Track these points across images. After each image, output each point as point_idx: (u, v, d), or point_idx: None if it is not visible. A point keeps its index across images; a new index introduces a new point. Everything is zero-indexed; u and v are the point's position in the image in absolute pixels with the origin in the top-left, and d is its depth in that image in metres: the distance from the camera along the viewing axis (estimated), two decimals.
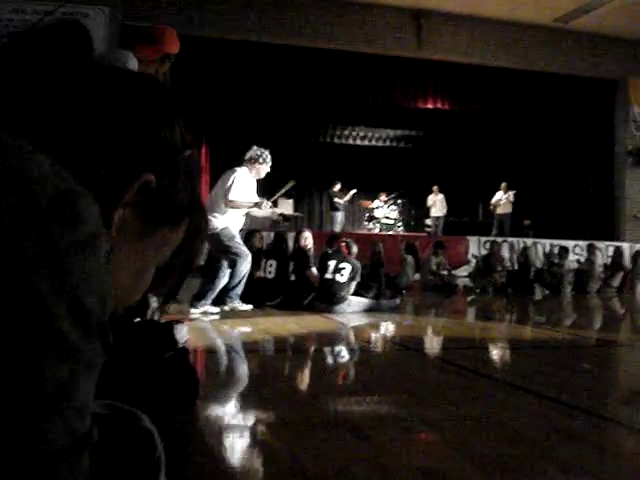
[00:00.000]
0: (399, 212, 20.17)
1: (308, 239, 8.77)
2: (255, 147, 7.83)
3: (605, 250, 16.31)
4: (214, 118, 18.15)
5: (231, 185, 7.39)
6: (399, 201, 20.34)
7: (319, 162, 20.89)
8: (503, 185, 19.18)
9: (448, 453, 2.56)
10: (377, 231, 18.64)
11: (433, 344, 6.25)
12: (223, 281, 7.29)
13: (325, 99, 18.82)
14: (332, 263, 7.84)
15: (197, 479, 2.18)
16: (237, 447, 2.56)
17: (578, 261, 13.66)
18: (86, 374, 0.60)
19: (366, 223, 19.51)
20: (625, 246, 16.31)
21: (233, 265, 7.29)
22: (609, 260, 14.26)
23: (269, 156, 7.87)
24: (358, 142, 22.48)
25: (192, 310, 7.09)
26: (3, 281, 0.53)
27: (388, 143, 22.83)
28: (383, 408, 3.36)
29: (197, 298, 7.20)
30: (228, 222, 7.40)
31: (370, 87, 18.67)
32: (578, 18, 18.30)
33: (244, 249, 7.43)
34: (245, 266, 7.35)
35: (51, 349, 0.56)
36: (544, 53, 19.08)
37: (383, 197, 19.69)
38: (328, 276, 7.77)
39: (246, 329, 6.48)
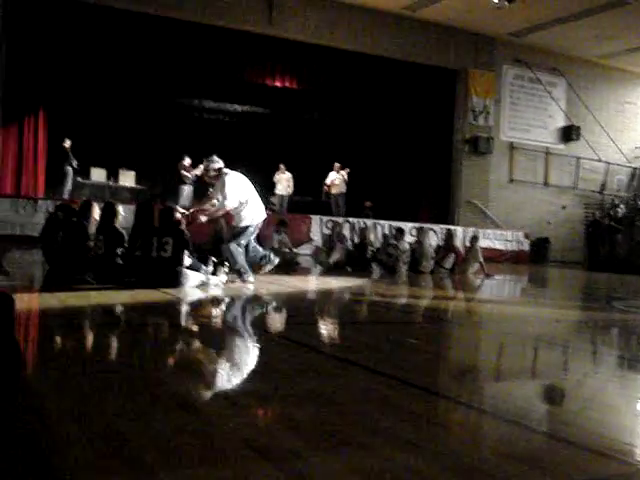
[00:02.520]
0: None
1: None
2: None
3: (441, 232, 16.99)
4: (53, 83, 17.36)
5: None
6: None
7: (164, 133, 20.46)
8: (336, 165, 19.46)
9: (274, 425, 2.60)
10: None
11: (269, 320, 6.30)
12: None
13: (173, 70, 18.48)
14: (155, 240, 7.56)
15: (14, 449, 2.10)
16: (59, 423, 2.48)
17: (415, 242, 14.12)
18: None
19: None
20: (459, 230, 17.08)
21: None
22: (442, 242, 14.84)
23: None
24: (205, 115, 22.19)
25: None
26: None
27: (235, 119, 22.68)
28: (213, 383, 3.36)
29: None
30: None
31: (219, 61, 18.50)
32: (425, 7, 18.86)
33: None
34: None
35: None
36: (391, 39, 19.55)
37: None
38: (153, 254, 7.52)
39: (83, 303, 6.29)
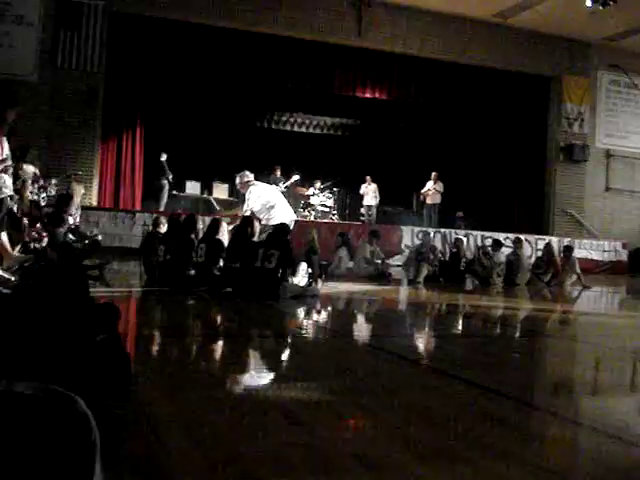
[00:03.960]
0: (334, 200, 20.22)
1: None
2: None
3: (535, 243, 16.67)
4: (150, 98, 17.89)
5: None
6: (334, 189, 20.40)
7: (256, 147, 20.77)
8: (433, 175, 19.32)
9: (381, 439, 2.59)
10: (312, 218, 18.68)
11: (365, 331, 6.30)
12: None
13: (264, 84, 18.73)
14: (261, 251, 7.70)
15: (130, 462, 2.16)
16: (171, 431, 2.54)
17: (512, 253, 13.82)
18: None
19: (302, 210, 19.50)
20: (554, 240, 16.71)
21: None
22: (538, 253, 14.54)
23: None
24: (296, 129, 22.44)
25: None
26: None
27: (325, 131, 22.84)
28: (317, 394, 3.38)
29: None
30: None
31: (309, 74, 18.66)
32: (517, 14, 18.60)
33: None
34: None
35: None
36: (482, 47, 19.35)
37: (318, 184, 19.73)
38: (257, 264, 7.64)
39: (185, 313, 6.44)
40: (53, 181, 11.75)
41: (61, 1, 15.78)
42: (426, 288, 11.34)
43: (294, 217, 10.69)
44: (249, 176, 10.60)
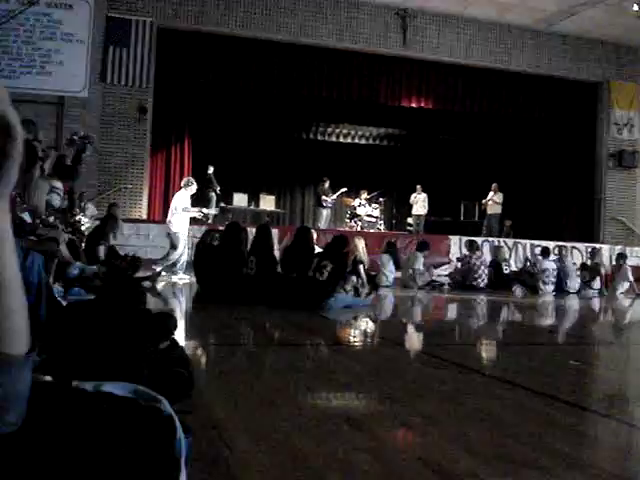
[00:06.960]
0: (381, 210, 20.19)
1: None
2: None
3: (585, 251, 16.45)
4: (198, 111, 18.13)
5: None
6: (381, 199, 20.37)
7: (302, 158, 20.88)
8: (494, 186, 19.13)
9: (446, 445, 2.58)
10: (359, 229, 18.67)
11: (419, 340, 6.29)
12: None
13: (310, 95, 18.81)
14: (315, 261, 7.73)
15: (200, 464, 2.19)
16: (236, 437, 2.57)
17: (557, 261, 13.71)
18: None
19: (348, 220, 19.52)
20: (605, 248, 16.47)
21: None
22: (589, 261, 14.38)
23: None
24: (342, 139, 22.46)
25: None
26: None
27: (371, 141, 22.84)
28: (379, 402, 3.38)
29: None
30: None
31: (355, 84, 18.70)
32: (562, 21, 18.44)
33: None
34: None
35: None
36: (528, 55, 19.22)
37: (365, 195, 19.70)
38: (309, 274, 7.67)
39: (233, 325, 6.49)
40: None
41: (110, 18, 16.07)
42: (473, 296, 11.26)
43: (181, 229, 11.65)
44: (189, 184, 11.91)
